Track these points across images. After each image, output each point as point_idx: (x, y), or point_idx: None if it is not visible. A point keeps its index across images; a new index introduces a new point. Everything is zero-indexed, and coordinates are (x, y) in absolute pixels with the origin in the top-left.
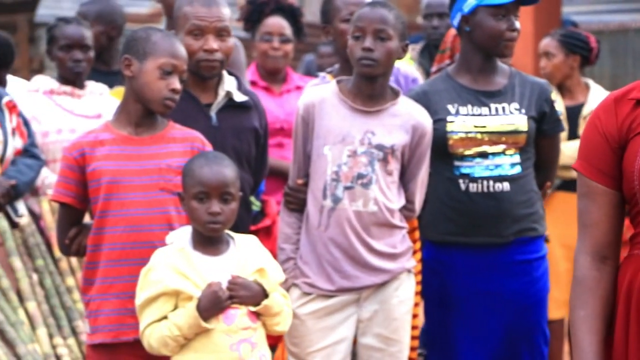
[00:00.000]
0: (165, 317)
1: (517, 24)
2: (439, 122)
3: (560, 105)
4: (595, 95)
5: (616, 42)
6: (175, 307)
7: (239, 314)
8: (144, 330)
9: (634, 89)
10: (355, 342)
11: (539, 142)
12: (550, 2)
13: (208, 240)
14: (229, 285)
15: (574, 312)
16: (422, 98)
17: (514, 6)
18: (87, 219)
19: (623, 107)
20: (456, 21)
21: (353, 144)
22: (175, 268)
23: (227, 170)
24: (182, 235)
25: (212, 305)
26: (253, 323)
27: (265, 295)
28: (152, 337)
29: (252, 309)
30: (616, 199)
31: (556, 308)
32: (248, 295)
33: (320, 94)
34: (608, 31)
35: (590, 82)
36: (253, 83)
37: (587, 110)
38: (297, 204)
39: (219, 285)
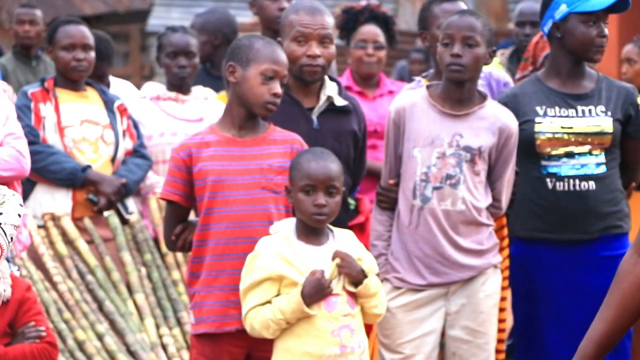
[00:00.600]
0: (268, 302)
1: (606, 31)
2: (528, 123)
3: None
4: None
5: None
6: (278, 293)
7: (340, 300)
8: (248, 313)
9: None
10: (443, 334)
11: (624, 144)
12: (634, 9)
13: (311, 231)
14: (336, 253)
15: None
16: (512, 100)
17: (604, 13)
18: (192, 216)
19: None
20: (547, 28)
21: (442, 146)
22: (281, 255)
23: (332, 165)
24: (286, 226)
25: (315, 292)
26: (352, 309)
27: (364, 276)
28: (256, 319)
29: (353, 289)
30: None
31: None
32: (352, 268)
33: (410, 98)
34: None
35: None
36: (348, 88)
37: None
38: (388, 203)
39: (322, 273)
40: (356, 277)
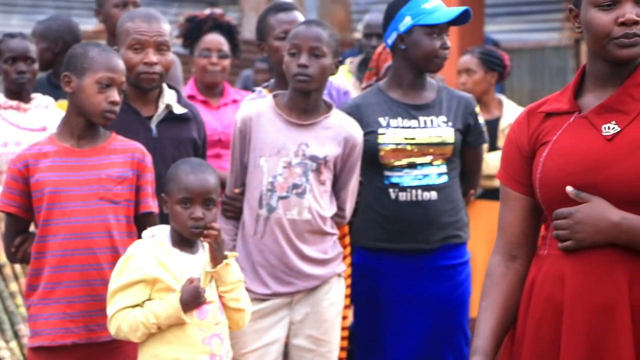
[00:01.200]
0: (138, 305)
1: (449, 42)
2: (371, 134)
3: (481, 119)
4: (509, 110)
5: (534, 60)
6: (149, 298)
7: (212, 308)
8: (116, 314)
9: (546, 102)
10: (287, 343)
11: (464, 153)
12: (473, 21)
13: (185, 240)
14: (210, 225)
15: (480, 304)
16: (355, 111)
17: (446, 25)
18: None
19: (534, 119)
20: (391, 40)
21: (288, 156)
22: (157, 258)
23: (210, 177)
24: (161, 232)
25: (192, 300)
26: (222, 318)
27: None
28: (125, 321)
29: (211, 270)
30: (528, 204)
31: (476, 308)
32: (220, 245)
33: (257, 107)
34: (527, 49)
35: (503, 97)
36: (191, 97)
37: (504, 123)
38: (233, 212)
39: (199, 281)
40: (220, 253)
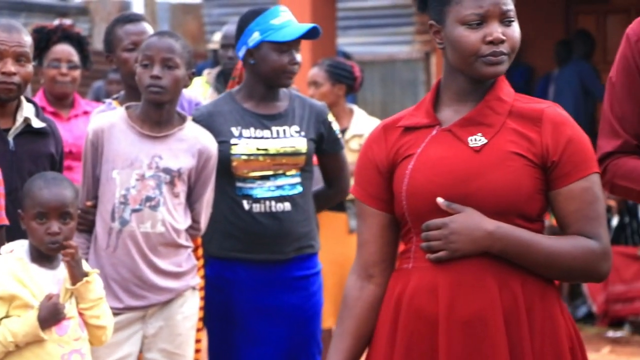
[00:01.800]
0: None
1: (298, 57)
2: (223, 144)
3: (336, 125)
4: (358, 120)
5: (385, 72)
6: (7, 315)
7: (72, 324)
8: None
9: (403, 117)
10: (140, 357)
11: (324, 161)
12: (325, 34)
13: (44, 255)
14: (67, 243)
15: (335, 329)
16: (207, 118)
17: (296, 41)
18: None
19: (392, 134)
20: (241, 53)
21: (141, 168)
22: (14, 275)
23: (66, 191)
24: (19, 247)
25: (51, 316)
26: (83, 333)
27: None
28: None
29: (71, 287)
30: (386, 220)
31: (324, 319)
32: (78, 263)
33: (109, 119)
34: (378, 61)
35: (355, 107)
36: (42, 108)
37: (349, 134)
38: (85, 225)
39: (58, 297)
40: (78, 275)
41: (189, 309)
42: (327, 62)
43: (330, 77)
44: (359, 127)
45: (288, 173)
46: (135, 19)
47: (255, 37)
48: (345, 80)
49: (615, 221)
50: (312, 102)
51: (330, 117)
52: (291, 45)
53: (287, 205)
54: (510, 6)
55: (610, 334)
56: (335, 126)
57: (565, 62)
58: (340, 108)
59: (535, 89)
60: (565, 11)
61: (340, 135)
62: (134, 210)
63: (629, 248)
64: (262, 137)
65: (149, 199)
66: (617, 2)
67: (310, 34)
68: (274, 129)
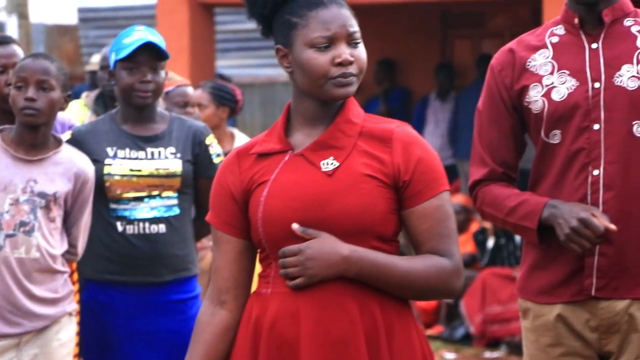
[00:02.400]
0: None
1: (152, 77)
2: (97, 164)
3: (217, 148)
4: (240, 143)
5: (265, 94)
6: None
7: None
8: None
9: (256, 143)
10: None
11: (197, 185)
12: (204, 56)
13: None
14: None
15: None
16: (84, 137)
17: (148, 60)
18: None
19: (245, 161)
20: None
21: (15, 192)
22: None
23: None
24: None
25: None
26: None
27: None
28: None
29: None
30: (240, 247)
31: None
32: None
33: None
34: (258, 84)
35: (236, 131)
36: None
37: None
38: None
39: None
40: None
41: (65, 336)
42: (209, 84)
43: (214, 99)
44: None
45: (164, 195)
46: (4, 41)
47: (112, 57)
48: (229, 102)
49: (491, 243)
50: (192, 124)
51: (209, 140)
52: (141, 63)
53: (162, 227)
54: (356, 28)
55: (488, 354)
56: (214, 150)
57: (443, 86)
58: (222, 131)
59: (412, 112)
60: (441, 35)
61: (218, 160)
62: (8, 236)
63: (505, 269)
64: (136, 158)
65: (23, 224)
66: (492, 27)
67: (158, 51)
68: (149, 150)
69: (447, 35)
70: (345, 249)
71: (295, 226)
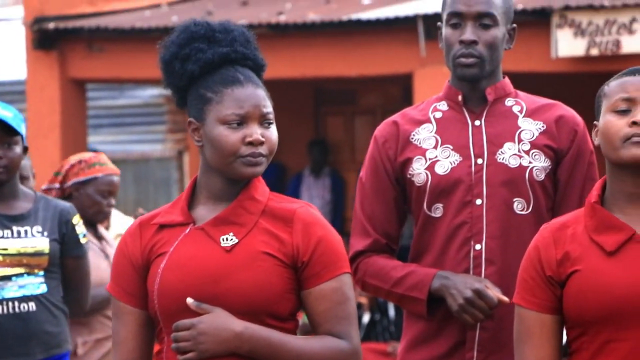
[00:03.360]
0: None
1: (4, 152)
2: None
3: (82, 228)
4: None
5: (138, 170)
6: None
7: None
8: None
9: (159, 213)
10: None
11: (65, 263)
12: (76, 132)
13: None
14: None
15: None
16: None
17: (3, 136)
18: None
19: (147, 232)
20: None
21: None
22: None
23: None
24: None
25: None
26: None
27: None
28: None
29: None
30: (143, 317)
31: None
32: None
33: None
34: (131, 160)
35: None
36: None
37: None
38: None
39: None
40: None
41: None
42: None
43: None
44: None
45: (31, 273)
46: None
47: None
48: None
49: (366, 318)
50: (57, 203)
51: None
52: None
53: (32, 305)
54: (269, 109)
55: None
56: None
57: (317, 162)
58: None
59: (287, 188)
60: (314, 111)
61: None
62: None
63: (380, 344)
64: (2, 237)
65: None
66: (364, 104)
67: (9, 127)
68: (15, 228)
69: (320, 112)
70: (239, 325)
71: (189, 300)
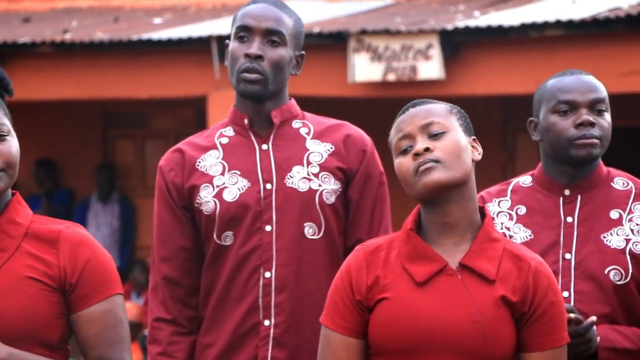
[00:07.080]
0: None
1: None
2: None
3: None
4: None
5: None
6: None
7: None
8: None
9: None
10: None
11: None
12: None
13: None
14: None
15: None
16: None
17: None
18: None
19: None
20: None
21: None
22: None
23: None
24: None
25: None
26: None
27: None
28: None
29: None
30: None
31: None
32: None
33: None
34: None
35: None
36: None
37: None
38: None
39: None
40: None
41: None
42: None
43: None
44: None
45: None
46: None
47: None
48: None
49: None
50: None
51: None
52: None
53: None
54: (4, 121)
55: None
56: None
57: (104, 187)
58: None
59: (74, 213)
60: (102, 135)
61: None
62: None
63: None
64: None
65: None
66: (156, 127)
67: None
68: None
69: (109, 135)
70: (3, 351)
71: None
